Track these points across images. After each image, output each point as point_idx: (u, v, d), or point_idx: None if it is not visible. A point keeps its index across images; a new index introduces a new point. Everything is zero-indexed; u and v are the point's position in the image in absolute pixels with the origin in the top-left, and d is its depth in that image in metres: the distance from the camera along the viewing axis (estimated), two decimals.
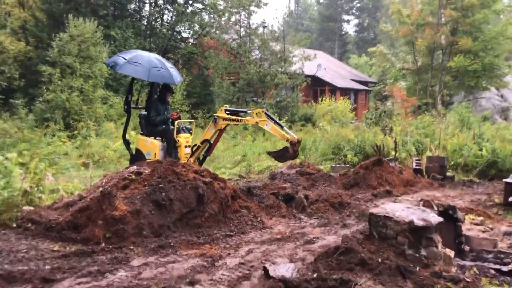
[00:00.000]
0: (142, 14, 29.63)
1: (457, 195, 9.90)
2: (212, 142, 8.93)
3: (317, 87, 32.28)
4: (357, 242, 4.62)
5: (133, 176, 6.13)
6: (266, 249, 5.49)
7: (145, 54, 8.98)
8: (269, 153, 9.01)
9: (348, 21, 67.32)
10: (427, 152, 13.69)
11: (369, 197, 8.94)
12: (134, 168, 6.44)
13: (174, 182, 6.04)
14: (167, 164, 6.54)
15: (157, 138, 9.00)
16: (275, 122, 8.60)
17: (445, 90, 22.69)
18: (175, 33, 29.67)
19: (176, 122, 8.98)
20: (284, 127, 8.62)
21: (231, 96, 23.27)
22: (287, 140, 8.32)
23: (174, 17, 28.92)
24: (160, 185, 5.94)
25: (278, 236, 6.12)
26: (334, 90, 32.43)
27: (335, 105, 24.20)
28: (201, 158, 9.09)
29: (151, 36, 27.86)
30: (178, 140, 8.90)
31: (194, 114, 21.80)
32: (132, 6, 29.71)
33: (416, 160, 11.36)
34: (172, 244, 5.44)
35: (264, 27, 26.49)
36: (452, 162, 12.14)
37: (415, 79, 22.83)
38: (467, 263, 5.22)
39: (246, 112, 8.89)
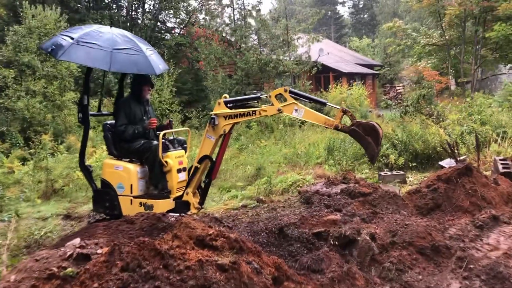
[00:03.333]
0: (120, 4, 26.15)
1: None
2: (215, 159, 5.68)
3: (321, 74, 28.98)
4: None
5: (70, 270, 2.87)
6: None
7: (105, 29, 5.69)
8: (371, 160, 5.46)
9: (343, 3, 63.80)
10: (492, 145, 10.48)
11: (471, 231, 5.70)
12: (75, 243, 3.17)
13: (157, 278, 2.78)
14: (144, 223, 3.32)
15: (133, 160, 5.76)
16: (311, 101, 5.41)
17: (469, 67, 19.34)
18: (159, 23, 26.30)
19: (163, 133, 5.70)
20: (328, 103, 5.41)
21: (227, 90, 19.94)
22: (337, 128, 5.09)
23: (156, 5, 25.54)
24: None
25: None
26: (339, 76, 29.22)
27: (348, 92, 20.95)
28: (203, 186, 5.84)
29: (132, 28, 24.44)
30: (167, 162, 5.65)
31: (186, 114, 18.52)
32: None
33: (501, 160, 8.16)
34: None
35: (258, 10, 23.00)
36: None
37: (443, 56, 19.65)
38: None
39: (259, 98, 5.60)
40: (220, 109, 5.48)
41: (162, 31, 26.76)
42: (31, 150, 10.54)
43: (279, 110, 5.22)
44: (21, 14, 15.07)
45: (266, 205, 7.76)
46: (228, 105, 5.50)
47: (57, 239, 6.46)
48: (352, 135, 5.13)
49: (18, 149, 11.83)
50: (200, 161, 5.62)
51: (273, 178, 8.73)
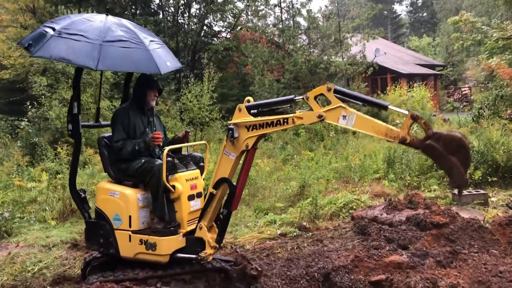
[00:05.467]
0: (166, 9, 25.54)
1: None
2: (235, 183, 4.25)
3: (377, 75, 26.95)
4: None
5: None
6: None
7: (98, 17, 4.49)
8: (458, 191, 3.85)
9: (400, 2, 60.78)
10: None
11: None
12: None
13: None
14: None
15: (135, 184, 4.49)
16: (366, 103, 3.67)
17: None
18: (205, 28, 25.45)
19: (168, 148, 4.37)
20: (390, 106, 3.59)
21: (275, 95, 18.58)
22: (404, 142, 3.39)
23: (203, 9, 24.69)
24: None
25: None
26: (397, 77, 27.09)
27: (409, 94, 18.95)
28: (222, 217, 4.44)
29: (177, 33, 23.71)
30: (174, 187, 4.33)
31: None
32: (157, 1, 25.66)
33: None
34: None
35: (308, 10, 21.41)
36: None
37: None
38: None
39: (292, 100, 4.02)
40: (240, 116, 4.10)
41: (209, 36, 25.91)
42: (52, 164, 9.68)
43: (320, 116, 3.74)
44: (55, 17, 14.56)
45: (310, 234, 6.28)
46: (252, 111, 4.10)
47: (51, 277, 5.36)
48: (427, 153, 3.44)
49: (48, 161, 11.06)
50: (217, 185, 4.25)
51: (320, 198, 7.22)
